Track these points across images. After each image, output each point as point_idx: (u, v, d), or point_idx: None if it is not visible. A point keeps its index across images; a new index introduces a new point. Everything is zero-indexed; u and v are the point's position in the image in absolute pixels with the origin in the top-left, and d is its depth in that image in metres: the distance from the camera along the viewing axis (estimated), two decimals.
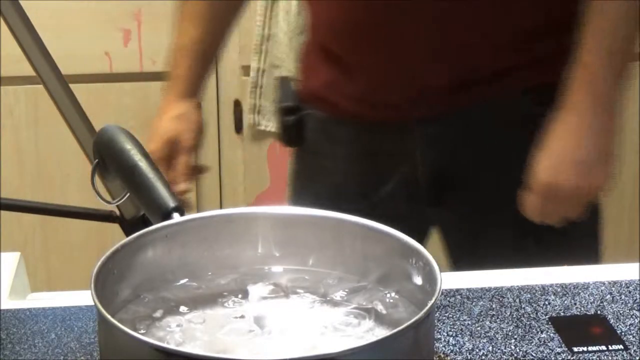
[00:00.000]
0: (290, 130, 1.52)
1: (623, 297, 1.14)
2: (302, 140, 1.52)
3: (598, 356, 1.04)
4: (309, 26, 1.51)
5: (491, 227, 1.44)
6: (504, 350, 1.04)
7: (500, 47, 1.37)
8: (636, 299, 1.13)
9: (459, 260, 1.49)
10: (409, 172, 1.45)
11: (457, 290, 1.15)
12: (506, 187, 1.38)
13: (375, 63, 1.40)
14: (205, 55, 1.53)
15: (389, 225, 0.93)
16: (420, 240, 0.91)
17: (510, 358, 1.03)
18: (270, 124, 2.47)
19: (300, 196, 1.56)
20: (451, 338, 1.06)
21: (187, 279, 0.94)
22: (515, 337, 1.07)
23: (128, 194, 1.00)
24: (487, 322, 1.09)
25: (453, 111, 1.39)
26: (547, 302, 1.13)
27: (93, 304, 0.82)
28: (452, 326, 1.08)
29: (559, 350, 1.04)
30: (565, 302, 1.13)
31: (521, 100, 1.40)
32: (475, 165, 1.43)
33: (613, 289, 1.16)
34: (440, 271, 0.86)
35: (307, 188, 1.55)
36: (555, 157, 1.34)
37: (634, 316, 1.10)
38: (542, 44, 1.38)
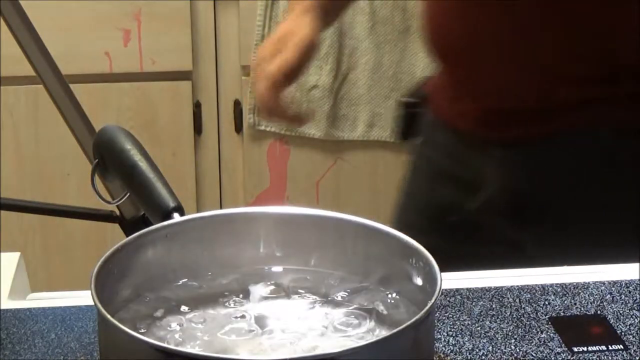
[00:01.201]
0: (405, 123, 1.54)
1: (623, 297, 1.14)
2: (414, 134, 1.53)
3: (598, 356, 1.04)
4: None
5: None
6: (504, 350, 1.04)
7: (589, 77, 1.34)
8: (636, 299, 1.13)
9: None
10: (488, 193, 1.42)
11: (457, 290, 1.15)
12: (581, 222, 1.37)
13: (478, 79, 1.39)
14: None
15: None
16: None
17: (510, 358, 1.03)
18: (270, 124, 2.47)
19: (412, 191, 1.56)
20: (451, 338, 1.06)
21: (187, 279, 0.94)
22: (515, 337, 1.07)
23: (128, 194, 1.00)
24: (487, 322, 1.09)
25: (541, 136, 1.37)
26: (547, 302, 1.13)
27: (93, 304, 0.82)
28: (452, 326, 1.08)
29: (558, 350, 1.04)
30: (565, 302, 1.13)
31: (605, 135, 1.36)
32: (554, 194, 1.39)
33: (613, 289, 1.16)
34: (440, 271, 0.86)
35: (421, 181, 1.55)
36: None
37: (634, 316, 1.10)
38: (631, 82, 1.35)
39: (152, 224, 0.94)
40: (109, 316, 0.80)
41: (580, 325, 1.09)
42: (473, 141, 1.41)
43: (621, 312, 1.11)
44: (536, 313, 1.11)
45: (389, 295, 0.92)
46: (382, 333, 0.87)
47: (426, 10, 1.45)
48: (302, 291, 0.93)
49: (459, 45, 1.39)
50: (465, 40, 1.38)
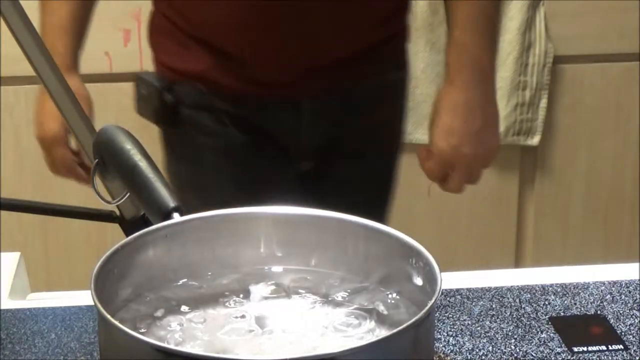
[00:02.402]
0: (167, 109, 1.57)
1: (623, 297, 1.14)
2: (180, 119, 1.57)
3: (598, 356, 1.04)
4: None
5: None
6: (504, 350, 1.04)
7: (361, 30, 1.53)
8: (636, 299, 1.13)
9: None
10: (291, 146, 1.56)
11: (457, 290, 1.15)
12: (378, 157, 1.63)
13: (258, 52, 1.50)
14: (80, 30, 1.61)
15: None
16: None
17: (510, 358, 1.03)
18: None
19: (179, 176, 1.60)
20: (451, 338, 1.06)
21: (188, 279, 0.94)
22: (515, 337, 1.07)
23: (128, 194, 1.00)
24: (487, 322, 1.09)
25: (334, 88, 1.54)
26: (547, 302, 1.13)
27: (93, 304, 0.82)
28: (452, 326, 1.08)
29: (559, 350, 1.04)
30: (565, 302, 1.13)
31: (390, 75, 1.60)
32: (356, 136, 1.59)
33: (613, 289, 1.16)
34: (441, 271, 0.86)
35: (185, 167, 1.60)
36: (452, 131, 1.50)
37: (634, 316, 1.10)
38: (395, 25, 1.59)
39: (152, 224, 0.94)
40: (109, 316, 0.80)
41: (580, 325, 1.09)
42: (272, 104, 1.53)
43: (621, 312, 1.11)
44: (536, 313, 1.11)
45: (389, 296, 0.92)
46: (382, 333, 0.87)
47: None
48: (303, 291, 0.93)
49: (244, 29, 1.49)
50: (251, 24, 1.49)
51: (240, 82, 1.52)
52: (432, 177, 1.55)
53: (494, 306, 1.12)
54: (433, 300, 0.82)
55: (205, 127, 1.56)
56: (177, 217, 0.94)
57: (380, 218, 1.64)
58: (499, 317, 1.10)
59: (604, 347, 1.05)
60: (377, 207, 1.67)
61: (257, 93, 1.53)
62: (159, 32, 1.61)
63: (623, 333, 1.07)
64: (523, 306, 1.12)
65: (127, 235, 0.92)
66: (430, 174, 1.55)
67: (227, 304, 0.91)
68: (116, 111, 2.40)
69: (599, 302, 1.13)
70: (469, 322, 1.09)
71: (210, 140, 1.57)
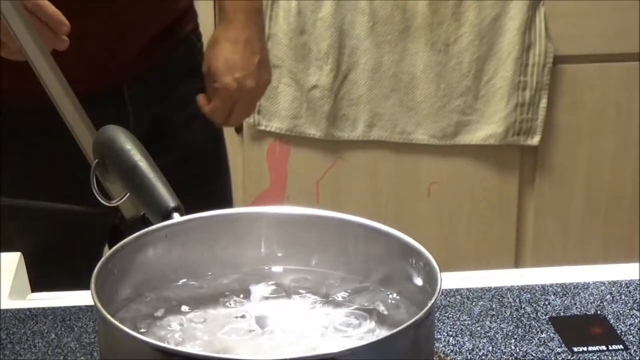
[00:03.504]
0: None
1: (623, 297, 1.14)
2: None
3: (598, 356, 1.04)
4: None
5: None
6: (504, 350, 1.04)
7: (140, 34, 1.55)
8: (636, 299, 1.13)
9: None
10: None
11: (457, 290, 1.15)
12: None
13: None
14: None
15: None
16: None
17: (510, 358, 1.03)
18: (270, 124, 2.47)
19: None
20: (451, 338, 1.06)
21: (188, 279, 0.94)
22: (515, 337, 1.07)
23: (128, 194, 1.00)
24: (487, 322, 1.09)
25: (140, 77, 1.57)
26: (547, 302, 1.13)
27: (93, 304, 0.82)
28: (452, 326, 1.08)
29: (559, 350, 1.05)
30: (565, 302, 1.13)
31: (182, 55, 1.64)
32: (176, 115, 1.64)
33: (613, 289, 1.16)
34: (441, 271, 0.86)
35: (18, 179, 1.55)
36: (235, 66, 1.60)
37: (634, 316, 1.10)
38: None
39: (152, 224, 0.94)
40: (109, 316, 0.80)
41: (580, 325, 1.09)
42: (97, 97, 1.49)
43: (621, 312, 1.11)
44: (536, 313, 1.11)
45: (390, 296, 0.92)
46: (383, 333, 0.87)
47: None
48: (303, 291, 0.93)
49: None
50: None
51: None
52: (218, 116, 1.62)
53: (494, 306, 1.12)
54: (433, 301, 0.82)
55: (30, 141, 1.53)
56: (177, 217, 0.94)
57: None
58: (499, 317, 1.10)
59: (604, 347, 1.05)
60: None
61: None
62: None
63: (623, 333, 1.08)
64: (523, 306, 1.12)
65: (127, 235, 0.92)
66: (216, 113, 1.62)
67: (227, 304, 0.91)
68: None
69: (599, 302, 1.13)
70: (469, 322, 1.09)
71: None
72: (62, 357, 1.04)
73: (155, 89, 1.59)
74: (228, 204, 1.73)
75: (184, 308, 0.91)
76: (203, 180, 1.67)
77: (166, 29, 1.59)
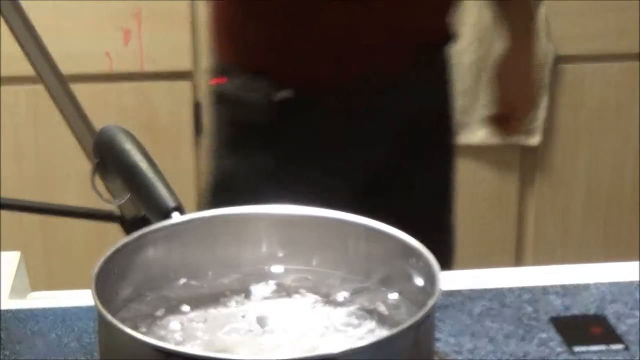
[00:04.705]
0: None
1: (623, 297, 1.14)
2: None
3: (598, 356, 1.04)
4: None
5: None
6: (505, 350, 1.04)
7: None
8: (636, 299, 1.13)
9: None
10: None
11: (458, 290, 1.15)
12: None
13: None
14: None
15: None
16: None
17: (511, 358, 1.03)
18: None
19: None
20: (451, 338, 1.06)
21: (188, 279, 0.94)
22: (516, 337, 1.07)
23: (128, 195, 1.00)
24: (488, 322, 1.09)
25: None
26: (547, 302, 1.13)
27: (93, 303, 0.82)
28: (452, 326, 1.08)
29: (559, 350, 1.04)
30: (566, 302, 1.13)
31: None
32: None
33: (613, 289, 1.16)
34: (440, 271, 0.86)
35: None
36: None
37: (634, 316, 1.10)
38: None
39: (152, 224, 0.94)
40: (109, 316, 0.80)
41: (581, 325, 1.09)
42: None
43: (621, 312, 1.11)
44: (537, 313, 1.11)
45: (390, 296, 0.92)
46: (383, 333, 0.87)
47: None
48: (303, 291, 0.93)
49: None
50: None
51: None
52: (508, 132, 1.83)
53: (494, 306, 1.12)
54: (433, 301, 0.82)
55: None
56: (177, 217, 0.94)
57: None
58: (500, 317, 1.10)
59: (604, 347, 1.05)
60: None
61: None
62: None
63: (623, 333, 1.07)
64: (524, 306, 1.12)
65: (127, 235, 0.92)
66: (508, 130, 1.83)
67: (227, 303, 0.91)
68: (116, 111, 2.40)
69: (599, 302, 1.13)
70: (470, 322, 1.09)
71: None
72: (62, 357, 1.04)
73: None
74: None
75: (185, 308, 0.91)
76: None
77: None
